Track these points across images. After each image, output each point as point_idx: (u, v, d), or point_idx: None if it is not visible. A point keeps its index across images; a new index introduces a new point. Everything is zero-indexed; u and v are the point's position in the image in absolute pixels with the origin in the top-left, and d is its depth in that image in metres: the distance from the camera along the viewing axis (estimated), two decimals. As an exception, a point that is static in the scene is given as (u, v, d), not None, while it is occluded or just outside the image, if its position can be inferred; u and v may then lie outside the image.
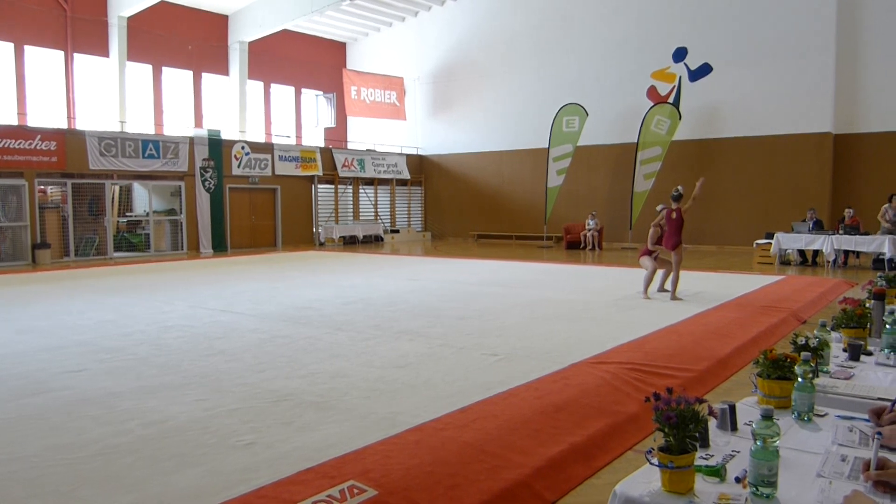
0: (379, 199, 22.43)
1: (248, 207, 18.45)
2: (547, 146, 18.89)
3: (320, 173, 19.99)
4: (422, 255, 16.78)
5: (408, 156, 22.87)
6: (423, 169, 23.44)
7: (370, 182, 22.05)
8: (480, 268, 12.94)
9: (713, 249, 17.23)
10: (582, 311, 7.65)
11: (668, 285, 9.01)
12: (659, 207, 8.91)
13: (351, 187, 21.46)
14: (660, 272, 9.00)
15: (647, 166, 17.58)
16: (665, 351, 5.39)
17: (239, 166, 17.97)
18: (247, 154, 18.17)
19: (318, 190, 20.21)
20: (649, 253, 8.68)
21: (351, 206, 21.65)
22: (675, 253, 8.45)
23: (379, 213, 22.32)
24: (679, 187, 8.51)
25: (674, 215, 8.40)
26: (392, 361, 5.23)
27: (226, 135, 18.23)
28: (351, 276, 11.59)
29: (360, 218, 21.70)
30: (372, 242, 20.99)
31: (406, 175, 22.59)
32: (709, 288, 9.57)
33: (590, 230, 17.96)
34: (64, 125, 16.72)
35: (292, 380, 4.71)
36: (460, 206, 22.52)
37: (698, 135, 17.75)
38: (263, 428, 3.72)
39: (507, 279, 10.99)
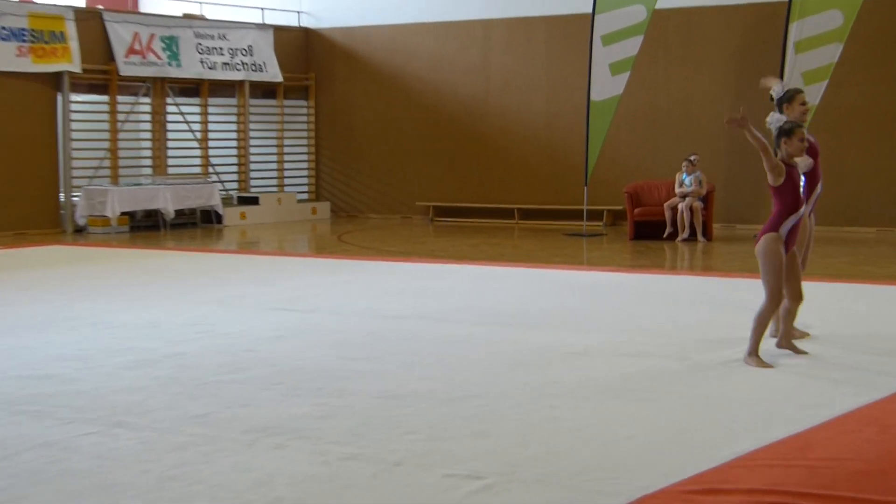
0: (212, 127, 22.44)
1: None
2: (590, 11, 19.00)
3: (77, 68, 19.92)
4: (309, 255, 16.74)
5: (277, 29, 22.94)
6: (311, 62, 23.53)
7: (192, 90, 22.14)
8: (441, 282, 13.00)
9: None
10: (661, 377, 7.72)
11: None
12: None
13: (149, 101, 21.38)
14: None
15: (810, 54, 17.75)
16: (850, 464, 5.48)
17: None
18: None
19: (72, 107, 20.14)
20: (778, 226, 8.53)
21: (148, 145, 21.54)
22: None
23: (213, 162, 22.31)
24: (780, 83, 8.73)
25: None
26: (239, 497, 5.21)
27: None
28: (147, 301, 11.59)
29: (170, 171, 21.68)
30: (197, 226, 21.00)
31: (275, 75, 22.70)
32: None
33: (685, 196, 18.07)
34: None
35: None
36: (395, 147, 22.60)
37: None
38: None
39: (495, 307, 11.02)
